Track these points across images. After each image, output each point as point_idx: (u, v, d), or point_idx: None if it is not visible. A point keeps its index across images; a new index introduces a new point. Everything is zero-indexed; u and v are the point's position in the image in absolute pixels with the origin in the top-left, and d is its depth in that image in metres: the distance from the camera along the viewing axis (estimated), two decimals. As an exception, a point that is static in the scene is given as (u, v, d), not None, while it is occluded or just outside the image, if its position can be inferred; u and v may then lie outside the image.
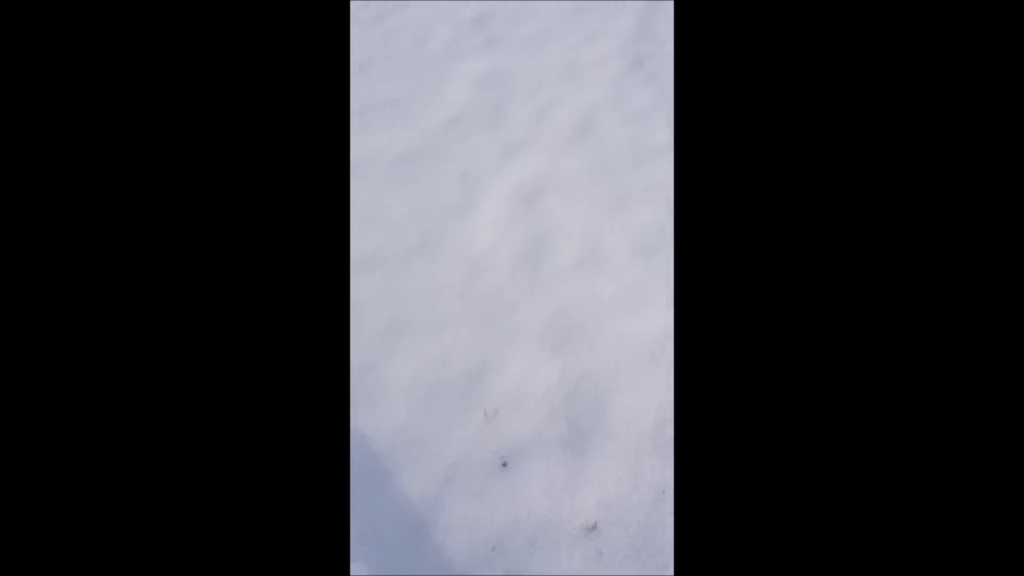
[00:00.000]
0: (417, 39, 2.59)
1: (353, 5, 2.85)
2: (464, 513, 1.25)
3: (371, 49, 2.58)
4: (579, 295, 1.59)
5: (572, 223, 1.77)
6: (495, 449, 1.34)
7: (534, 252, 1.71)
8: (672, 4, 2.20)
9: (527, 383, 1.43)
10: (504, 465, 1.31)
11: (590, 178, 1.90)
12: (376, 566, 1.21)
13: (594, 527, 1.20)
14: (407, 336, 1.58)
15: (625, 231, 1.73)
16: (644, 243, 1.69)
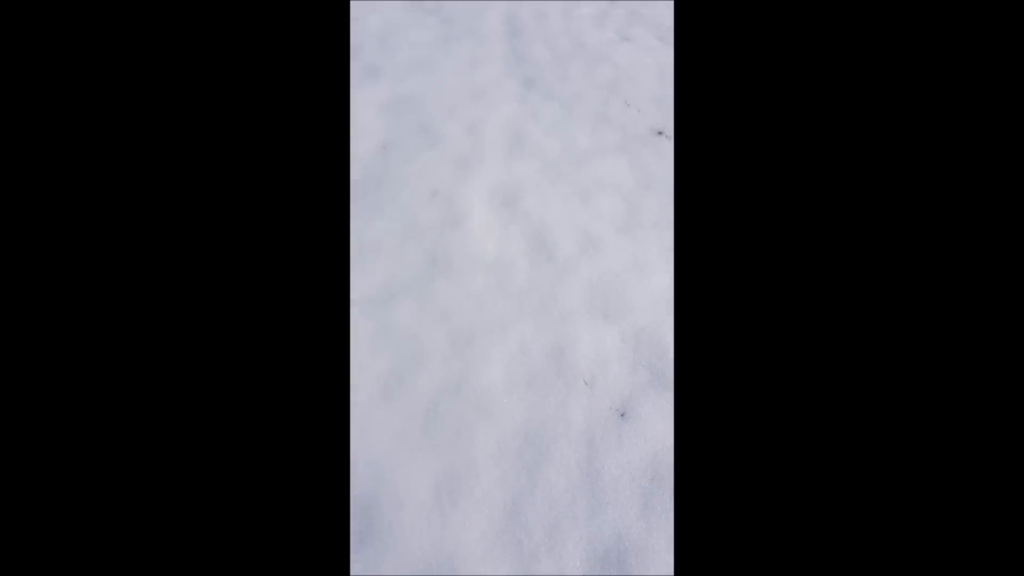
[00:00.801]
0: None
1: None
2: (618, 461, 1.48)
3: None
4: (598, 272, 1.90)
5: (556, 217, 2.05)
6: (609, 406, 1.59)
7: (540, 246, 1.95)
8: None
9: (602, 350, 1.70)
10: (623, 415, 1.57)
11: (547, 180, 2.21)
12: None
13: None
14: (478, 343, 1.69)
15: (602, 217, 2.09)
16: (620, 223, 2.07)
